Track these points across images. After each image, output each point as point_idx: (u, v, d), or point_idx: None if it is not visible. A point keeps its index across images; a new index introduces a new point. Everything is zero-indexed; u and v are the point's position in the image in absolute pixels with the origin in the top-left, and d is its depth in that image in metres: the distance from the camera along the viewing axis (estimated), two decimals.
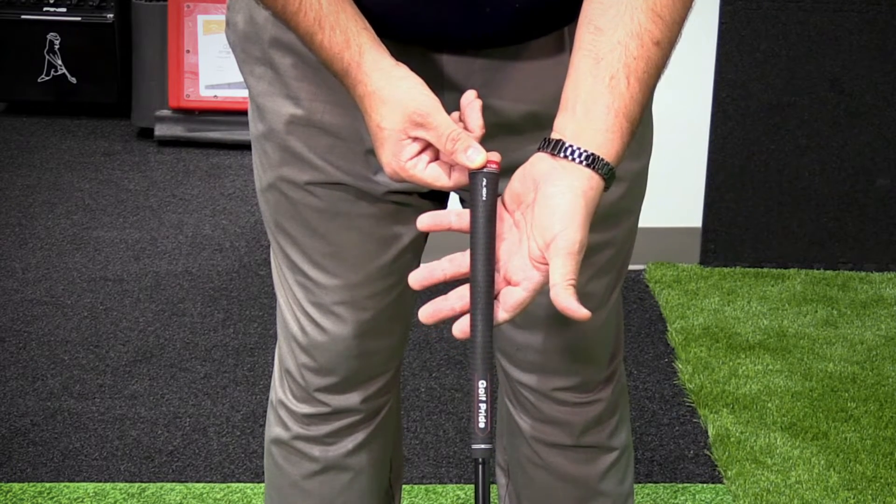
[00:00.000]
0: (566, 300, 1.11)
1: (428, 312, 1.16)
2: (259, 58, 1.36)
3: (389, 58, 1.22)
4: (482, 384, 1.14)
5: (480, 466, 1.14)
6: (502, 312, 1.15)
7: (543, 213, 1.14)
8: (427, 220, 1.20)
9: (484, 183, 1.17)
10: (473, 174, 1.17)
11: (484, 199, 1.16)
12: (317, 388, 1.52)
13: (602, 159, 1.15)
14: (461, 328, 1.16)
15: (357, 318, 1.46)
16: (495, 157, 1.18)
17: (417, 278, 1.18)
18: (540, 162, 1.16)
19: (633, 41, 1.16)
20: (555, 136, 1.17)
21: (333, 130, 1.35)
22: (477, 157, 1.17)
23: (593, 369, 1.55)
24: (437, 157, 1.22)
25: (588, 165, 1.15)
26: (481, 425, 1.14)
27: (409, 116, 1.19)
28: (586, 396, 1.56)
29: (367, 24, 1.22)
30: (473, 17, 1.25)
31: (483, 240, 1.16)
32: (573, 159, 1.15)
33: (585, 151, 1.15)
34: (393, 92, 1.20)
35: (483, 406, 1.14)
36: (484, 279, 1.15)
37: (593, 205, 1.16)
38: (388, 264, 1.44)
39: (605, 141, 1.16)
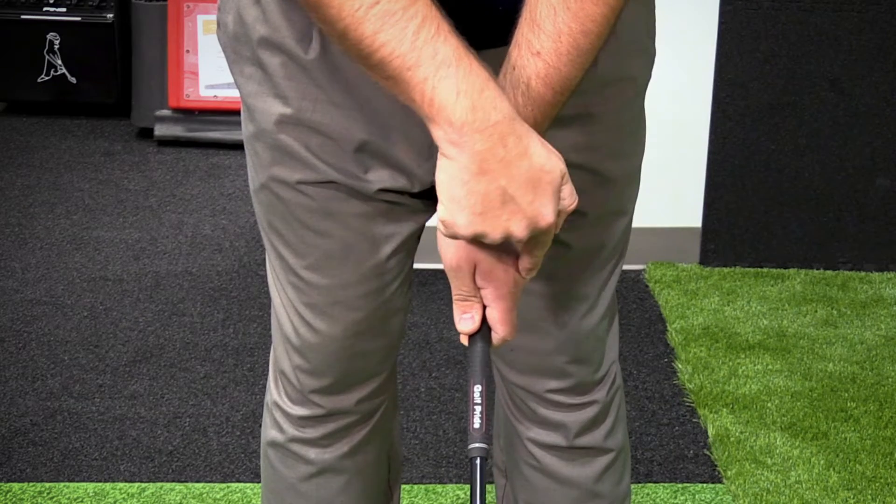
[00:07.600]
0: None
1: None
2: (248, 58, 1.35)
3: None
4: (477, 388, 1.21)
5: (477, 464, 1.18)
6: (498, 326, 1.25)
7: None
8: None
9: None
10: None
11: None
12: (311, 390, 1.52)
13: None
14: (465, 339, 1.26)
15: (350, 319, 1.46)
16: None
17: None
18: None
19: (514, 50, 1.20)
20: None
21: (323, 129, 1.34)
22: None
23: (587, 371, 1.55)
24: None
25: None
26: (476, 425, 1.20)
27: None
28: (581, 398, 1.56)
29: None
30: (487, 16, 1.25)
31: None
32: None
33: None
34: None
35: (478, 408, 1.20)
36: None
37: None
38: (381, 263, 1.43)
39: None
